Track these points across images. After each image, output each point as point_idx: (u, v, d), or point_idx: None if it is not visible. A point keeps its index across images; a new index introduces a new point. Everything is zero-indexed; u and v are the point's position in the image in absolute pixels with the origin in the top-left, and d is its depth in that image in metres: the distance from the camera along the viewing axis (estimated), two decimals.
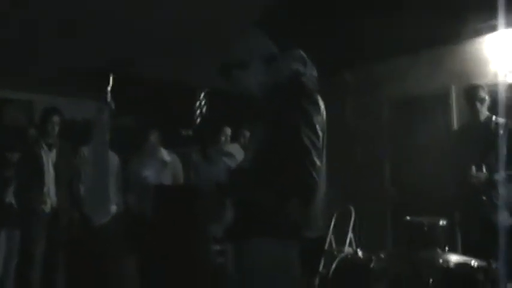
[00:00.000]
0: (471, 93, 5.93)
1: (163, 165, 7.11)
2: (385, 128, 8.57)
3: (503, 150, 5.59)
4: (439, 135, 7.31)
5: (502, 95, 5.84)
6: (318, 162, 2.91)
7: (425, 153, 7.59)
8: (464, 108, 6.72)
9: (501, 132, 5.67)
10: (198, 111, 2.91)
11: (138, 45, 6.63)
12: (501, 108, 5.65)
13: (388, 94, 8.45)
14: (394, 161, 8.48)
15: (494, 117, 5.81)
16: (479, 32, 7.27)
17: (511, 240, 4.27)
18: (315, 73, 3.29)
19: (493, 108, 5.88)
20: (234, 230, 3.15)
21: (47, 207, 6.38)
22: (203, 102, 2.93)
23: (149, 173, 7.00)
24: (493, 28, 6.89)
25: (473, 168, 5.60)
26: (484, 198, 5.55)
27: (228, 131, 6.97)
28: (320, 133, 3.01)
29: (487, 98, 5.85)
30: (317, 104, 3.10)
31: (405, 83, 8.05)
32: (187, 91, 6.57)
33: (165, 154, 7.18)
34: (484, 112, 5.86)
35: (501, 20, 6.50)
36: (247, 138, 7.04)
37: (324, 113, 3.18)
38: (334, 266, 5.80)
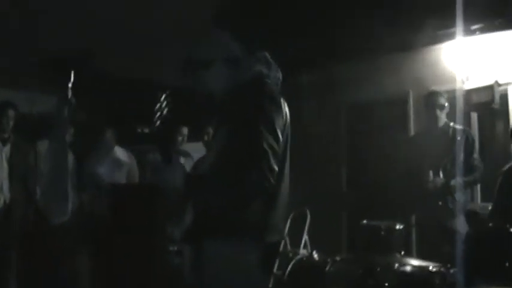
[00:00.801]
0: (431, 100, 5.98)
1: (118, 163, 7.03)
2: (342, 132, 8.62)
3: (460, 157, 5.66)
4: (396, 141, 7.37)
5: (459, 101, 5.91)
6: (275, 167, 2.89)
7: (382, 157, 7.65)
8: (422, 114, 6.80)
9: (458, 138, 5.74)
10: (159, 111, 2.88)
11: (100, 41, 6.55)
12: (459, 114, 5.71)
13: (346, 98, 8.48)
14: (351, 165, 8.52)
15: (452, 124, 5.87)
16: (438, 39, 7.35)
17: (467, 246, 4.31)
18: (279, 75, 3.27)
19: (451, 115, 5.94)
20: (192, 231, 3.12)
21: (0, 203, 6.27)
22: (165, 103, 2.90)
23: (104, 171, 6.91)
24: (451, 36, 6.98)
25: (431, 173, 5.65)
26: (440, 203, 5.60)
27: (185, 130, 6.92)
28: (281, 137, 2.99)
29: (446, 104, 5.90)
30: (280, 107, 3.08)
31: (363, 88, 8.11)
32: (148, 90, 6.53)
33: (120, 152, 7.10)
34: (442, 118, 5.91)
35: (459, 27, 6.60)
36: (210, 137, 6.99)
37: (287, 116, 3.16)
38: (289, 267, 5.80)
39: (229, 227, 2.94)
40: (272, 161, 2.87)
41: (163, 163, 6.22)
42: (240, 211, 2.94)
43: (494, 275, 3.80)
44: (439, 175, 5.63)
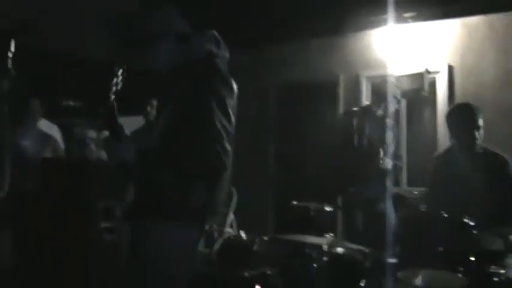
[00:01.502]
0: (361, 84, 6.03)
1: (43, 136, 6.84)
2: (272, 112, 8.63)
3: (391, 140, 5.75)
4: (325, 122, 7.44)
5: (390, 86, 5.97)
6: (228, 148, 2.87)
7: (310, 139, 7.72)
8: (351, 97, 6.90)
9: (391, 122, 5.81)
10: (113, 87, 2.82)
11: (43, 13, 6.34)
12: (390, 99, 5.78)
13: (277, 78, 8.49)
14: (280, 145, 8.55)
15: (383, 107, 5.92)
16: (370, 25, 7.44)
17: (400, 229, 4.38)
18: (227, 54, 3.24)
19: (380, 100, 5.99)
20: (134, 210, 3.06)
21: None
22: (116, 79, 2.83)
23: (28, 144, 6.71)
24: (383, 22, 7.07)
25: (381, 152, 5.68)
26: (370, 186, 5.67)
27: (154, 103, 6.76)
28: (232, 117, 2.97)
29: (377, 89, 5.97)
30: (231, 87, 3.06)
31: (295, 69, 8.14)
32: (90, 65, 6.36)
33: (46, 125, 6.91)
34: (371, 102, 5.98)
35: (391, 14, 6.69)
36: (154, 111, 6.83)
37: (236, 96, 3.14)
38: (217, 246, 5.80)
39: (174, 207, 2.91)
40: (225, 141, 2.85)
41: (110, 139, 6.07)
42: (186, 191, 2.91)
43: (426, 259, 3.87)
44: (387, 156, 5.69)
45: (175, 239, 2.93)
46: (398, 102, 6.12)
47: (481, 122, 4.89)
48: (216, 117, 2.85)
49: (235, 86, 3.11)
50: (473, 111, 4.93)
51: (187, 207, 2.93)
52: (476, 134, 4.88)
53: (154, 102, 6.72)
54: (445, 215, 4.13)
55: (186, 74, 3.02)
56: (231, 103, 2.99)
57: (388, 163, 5.71)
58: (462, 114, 5.00)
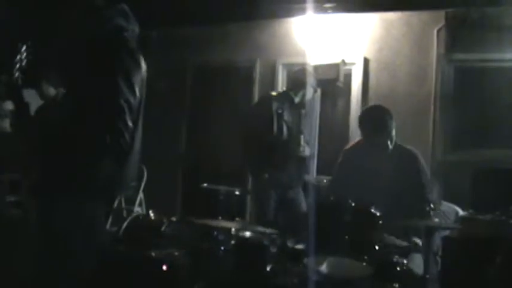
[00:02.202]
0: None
1: None
2: (187, 93, 8.56)
3: (306, 128, 5.81)
4: (240, 106, 7.44)
5: (307, 75, 6.00)
6: (130, 124, 2.82)
7: (224, 122, 7.70)
8: (267, 83, 6.92)
9: (305, 110, 5.87)
10: (18, 65, 2.73)
11: None
12: (309, 86, 5.83)
13: (194, 59, 8.43)
14: (193, 126, 8.49)
15: (298, 95, 5.95)
16: (289, 13, 7.46)
17: (309, 216, 4.42)
18: (137, 30, 3.19)
19: (299, 87, 6.02)
20: (40, 185, 2.99)
21: None
22: (22, 55, 2.74)
23: None
24: (303, 10, 7.11)
25: (302, 139, 5.70)
26: (284, 172, 5.71)
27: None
28: (138, 93, 2.92)
29: (293, 77, 6.00)
30: (138, 62, 3.01)
31: (212, 51, 8.10)
32: None
33: None
34: (287, 89, 6.00)
35: (311, 4, 6.75)
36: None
37: (144, 72, 3.09)
38: (125, 224, 5.72)
39: (79, 183, 2.85)
40: (128, 117, 2.80)
41: (15, 115, 5.88)
42: (91, 167, 2.85)
43: (332, 247, 3.92)
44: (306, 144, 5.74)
45: (82, 215, 2.88)
46: (315, 91, 6.18)
47: (393, 126, 4.99)
48: (121, 92, 2.80)
49: (143, 62, 3.07)
50: (385, 116, 5.01)
51: (92, 183, 2.88)
52: (388, 140, 4.97)
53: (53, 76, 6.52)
54: (352, 204, 4.20)
55: (93, 47, 2.96)
56: (138, 79, 2.95)
57: (307, 150, 5.77)
58: (375, 119, 5.08)
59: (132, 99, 2.85)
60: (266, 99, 6.00)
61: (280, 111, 5.68)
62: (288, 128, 5.72)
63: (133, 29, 3.15)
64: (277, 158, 5.69)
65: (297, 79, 5.99)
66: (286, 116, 5.74)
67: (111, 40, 2.97)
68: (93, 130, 2.77)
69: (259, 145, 5.74)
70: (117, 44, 2.96)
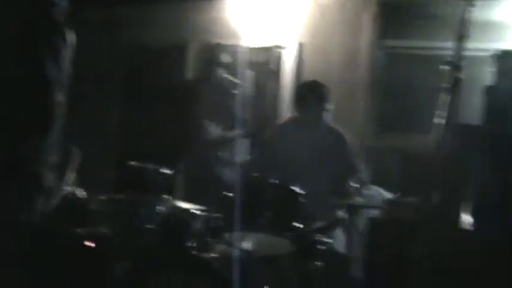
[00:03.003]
0: (209, 52, 6.03)
1: None
2: (120, 72, 8.46)
3: (234, 109, 5.81)
4: (172, 88, 7.38)
5: (241, 57, 6.02)
6: (58, 100, 2.78)
7: (156, 101, 7.64)
8: (200, 65, 6.87)
9: (234, 91, 5.87)
10: None
11: None
12: (241, 69, 5.84)
13: (127, 39, 8.32)
14: (126, 105, 8.40)
15: (228, 77, 5.96)
16: None
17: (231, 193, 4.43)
18: (65, 4, 3.13)
19: (231, 69, 6.03)
20: None
21: None
22: None
23: None
24: None
25: (209, 124, 5.71)
26: (212, 153, 5.72)
27: None
28: (66, 69, 2.88)
29: (226, 58, 5.99)
30: (65, 38, 2.96)
31: (145, 31, 8.01)
32: None
33: None
34: (219, 72, 5.98)
35: None
36: None
37: (73, 48, 3.04)
38: (54, 202, 5.63)
39: (4, 161, 2.79)
40: (54, 93, 2.76)
41: None
42: (17, 145, 2.80)
43: (255, 223, 3.94)
44: (216, 127, 5.73)
45: (9, 193, 2.83)
46: (247, 74, 6.19)
47: (329, 104, 5.03)
48: (46, 67, 2.75)
49: (72, 38, 3.01)
50: (323, 89, 5.06)
51: (19, 160, 2.82)
52: (323, 114, 5.01)
53: None
54: (275, 182, 4.22)
55: (18, 21, 2.89)
56: (64, 54, 2.89)
57: (236, 131, 5.78)
58: (311, 91, 5.12)
59: (60, 75, 2.80)
60: (199, 80, 6.00)
61: (211, 93, 5.69)
62: (218, 108, 5.74)
63: (62, 3, 3.09)
64: (202, 138, 5.71)
65: (228, 61, 6.00)
66: (218, 98, 5.75)
67: (37, 14, 2.91)
68: (17, 106, 2.71)
69: (186, 124, 5.75)
70: (44, 18, 2.90)
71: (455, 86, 2.62)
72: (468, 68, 6.73)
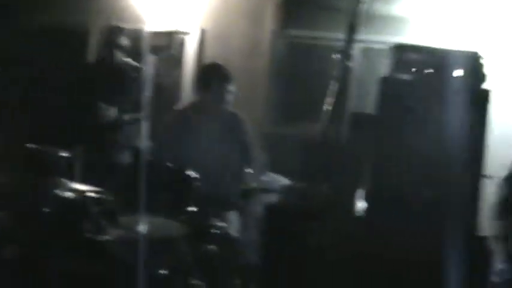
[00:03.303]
0: (109, 36, 5.98)
1: None
2: (26, 55, 8.24)
3: (133, 93, 5.79)
4: (73, 71, 7.26)
5: (141, 42, 5.99)
6: None
7: (56, 87, 7.50)
8: (100, 47, 6.78)
9: (133, 75, 5.84)
10: None
11: None
12: (142, 53, 5.81)
13: (25, 22, 8.11)
14: (26, 91, 8.18)
15: (128, 60, 5.92)
16: None
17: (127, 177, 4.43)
18: None
19: (131, 54, 6.00)
20: None
21: None
22: None
23: None
24: None
25: (104, 107, 5.67)
26: (111, 137, 5.68)
27: None
28: None
29: (125, 42, 5.94)
30: None
31: (46, 15, 7.84)
32: None
33: None
34: (118, 55, 5.93)
35: None
36: None
37: None
38: None
39: None
40: None
41: None
42: None
43: (150, 207, 3.95)
44: (112, 110, 5.69)
45: None
46: (149, 58, 6.17)
47: (231, 84, 5.08)
48: None
49: None
50: (226, 71, 5.11)
51: None
52: (226, 95, 5.06)
53: None
54: (169, 166, 4.24)
55: None
56: None
57: (137, 115, 5.77)
58: (215, 72, 5.15)
59: None
60: (91, 64, 5.96)
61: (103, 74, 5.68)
62: (113, 91, 5.72)
63: None
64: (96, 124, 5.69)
65: (131, 44, 5.98)
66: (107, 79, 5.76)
67: None
68: None
69: (84, 107, 5.71)
70: None
71: (345, 74, 2.70)
72: (367, 59, 7.03)
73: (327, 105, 2.66)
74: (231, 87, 5.06)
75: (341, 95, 2.75)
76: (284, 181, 5.71)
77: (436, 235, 3.88)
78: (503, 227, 3.78)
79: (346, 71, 2.71)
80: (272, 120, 7.11)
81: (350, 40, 2.72)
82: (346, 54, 2.71)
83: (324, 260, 4.29)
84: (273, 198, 5.30)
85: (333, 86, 2.70)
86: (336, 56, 2.78)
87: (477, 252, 3.97)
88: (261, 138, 6.65)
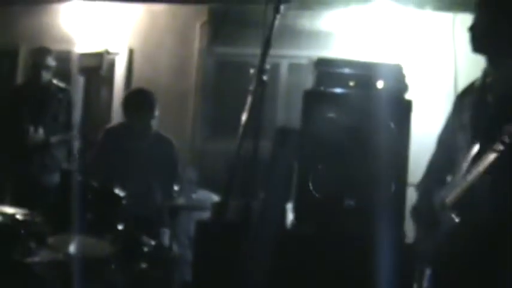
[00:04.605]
0: (37, 57, 5.95)
1: None
2: None
3: (61, 115, 5.77)
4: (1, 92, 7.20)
5: (70, 63, 5.99)
6: None
7: None
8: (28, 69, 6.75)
9: (61, 96, 5.83)
10: None
11: None
12: (74, 75, 5.81)
13: None
14: None
15: (55, 82, 5.91)
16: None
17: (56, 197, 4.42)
18: None
19: (60, 75, 5.99)
20: None
21: None
22: None
23: None
24: None
25: (31, 129, 5.64)
26: (38, 159, 5.65)
27: None
28: None
29: (52, 63, 5.92)
30: None
31: None
32: None
33: None
34: (46, 76, 5.90)
35: None
36: None
37: None
38: None
39: None
40: None
41: None
42: None
43: (78, 226, 3.94)
44: (38, 131, 5.66)
45: None
46: (78, 79, 6.19)
47: (156, 110, 5.12)
48: None
49: None
50: (151, 97, 5.15)
51: None
52: (152, 121, 5.09)
53: None
54: (95, 185, 4.25)
55: None
56: None
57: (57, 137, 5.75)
58: (140, 100, 5.18)
59: None
60: (19, 85, 5.94)
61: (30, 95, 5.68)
62: (40, 112, 5.71)
63: None
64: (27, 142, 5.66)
65: (60, 66, 5.98)
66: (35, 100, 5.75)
67: None
68: None
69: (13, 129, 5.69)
70: None
71: (260, 88, 2.76)
72: (294, 74, 7.14)
73: (243, 121, 2.70)
74: (156, 112, 5.10)
75: (256, 110, 2.80)
76: (215, 197, 5.77)
77: (362, 243, 3.94)
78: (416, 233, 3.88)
79: (261, 86, 2.76)
80: (201, 137, 7.16)
81: (264, 54, 2.77)
82: (261, 69, 2.76)
83: (256, 273, 4.31)
84: (203, 214, 5.34)
85: (250, 101, 2.75)
86: (253, 71, 2.84)
87: (404, 258, 4.04)
88: (191, 155, 6.73)
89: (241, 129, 2.70)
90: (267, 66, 2.79)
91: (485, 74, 3.47)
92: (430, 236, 3.57)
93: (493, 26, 3.21)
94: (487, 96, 3.36)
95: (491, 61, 3.34)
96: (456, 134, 3.67)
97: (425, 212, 3.63)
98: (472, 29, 3.24)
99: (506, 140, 2.98)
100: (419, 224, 3.68)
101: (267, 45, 2.78)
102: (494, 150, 3.04)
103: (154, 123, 5.14)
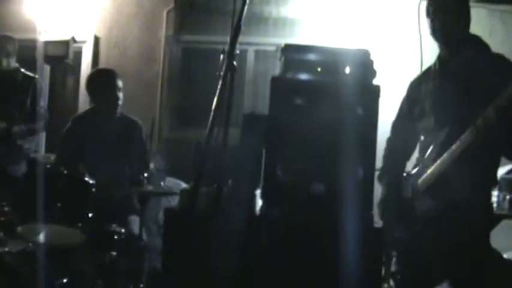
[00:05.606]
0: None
1: None
2: None
3: (27, 104, 5.74)
4: None
5: (36, 51, 5.94)
6: None
7: None
8: None
9: (27, 85, 5.78)
10: None
11: None
12: (39, 63, 5.76)
13: None
14: None
15: (22, 70, 5.84)
16: None
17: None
18: None
19: (26, 64, 5.93)
20: None
21: None
22: None
23: None
24: None
25: None
26: (3, 149, 5.60)
27: None
28: None
29: (13, 50, 5.85)
30: None
31: None
32: None
33: None
34: (11, 64, 5.83)
35: None
36: None
37: None
38: None
39: None
40: None
41: None
42: None
43: (47, 215, 3.92)
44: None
45: None
46: (44, 67, 6.14)
47: (120, 84, 5.09)
48: None
49: None
50: (114, 75, 5.12)
51: None
52: (118, 94, 5.06)
53: None
54: (65, 172, 4.22)
55: None
56: None
57: (22, 127, 5.70)
58: (104, 78, 5.15)
59: None
60: None
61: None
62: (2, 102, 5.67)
63: None
64: None
65: (24, 54, 5.92)
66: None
67: None
68: None
69: None
70: None
71: (228, 74, 2.76)
72: (261, 61, 7.16)
73: (213, 107, 2.70)
74: (120, 93, 5.08)
75: (226, 94, 2.80)
76: (183, 185, 5.78)
77: (331, 228, 3.97)
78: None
79: (231, 71, 2.77)
80: (169, 125, 7.17)
81: (234, 39, 2.78)
82: (230, 54, 2.77)
83: (224, 260, 4.32)
84: (172, 202, 5.35)
85: (220, 86, 2.75)
86: (222, 57, 2.84)
87: (372, 243, 4.08)
88: (159, 143, 6.72)
89: (211, 114, 2.68)
90: (236, 52, 2.78)
91: (441, 61, 3.55)
92: (401, 225, 3.64)
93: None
94: (447, 83, 3.44)
95: (449, 49, 3.43)
96: (414, 120, 3.73)
97: (397, 204, 3.70)
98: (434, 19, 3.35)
99: (480, 124, 3.05)
100: (389, 217, 3.75)
101: (237, 29, 2.77)
102: (467, 136, 3.11)
103: (121, 105, 5.11)
